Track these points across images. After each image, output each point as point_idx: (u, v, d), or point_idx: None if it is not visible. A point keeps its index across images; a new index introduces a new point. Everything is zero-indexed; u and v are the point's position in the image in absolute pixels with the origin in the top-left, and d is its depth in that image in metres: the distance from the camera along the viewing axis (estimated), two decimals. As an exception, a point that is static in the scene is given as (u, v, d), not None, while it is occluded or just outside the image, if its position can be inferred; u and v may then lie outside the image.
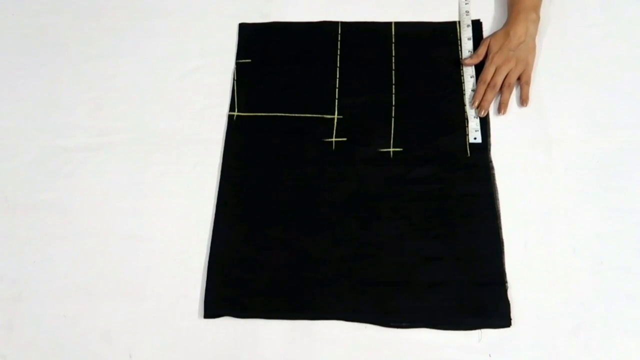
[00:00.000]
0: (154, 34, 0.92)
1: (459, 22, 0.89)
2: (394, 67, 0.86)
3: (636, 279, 0.70)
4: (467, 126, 0.81)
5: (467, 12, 0.90)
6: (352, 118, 0.82)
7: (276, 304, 0.71)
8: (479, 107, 0.81)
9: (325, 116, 0.83)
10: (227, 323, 0.70)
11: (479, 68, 0.85)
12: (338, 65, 0.87)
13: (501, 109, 0.81)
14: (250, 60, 0.88)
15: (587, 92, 0.83)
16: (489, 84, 0.82)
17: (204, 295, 0.71)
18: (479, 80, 0.83)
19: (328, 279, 0.72)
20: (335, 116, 0.83)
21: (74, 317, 0.71)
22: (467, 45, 0.87)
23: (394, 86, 0.85)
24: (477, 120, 0.81)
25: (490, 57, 0.84)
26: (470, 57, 0.85)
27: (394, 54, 0.87)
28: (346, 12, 0.91)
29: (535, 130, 0.80)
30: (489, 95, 0.82)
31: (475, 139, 0.80)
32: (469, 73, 0.85)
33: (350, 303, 0.70)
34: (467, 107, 0.82)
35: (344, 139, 0.81)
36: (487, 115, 0.82)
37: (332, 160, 0.79)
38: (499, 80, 0.82)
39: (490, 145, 0.79)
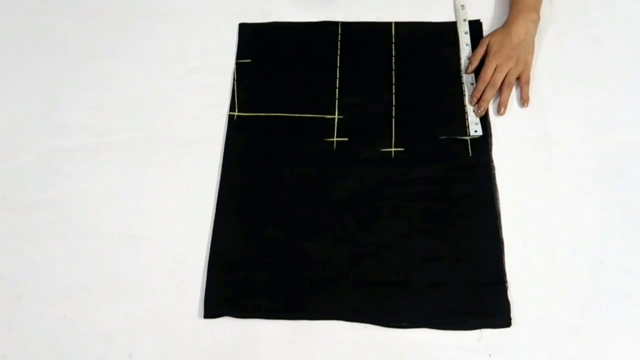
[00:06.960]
0: (154, 34, 0.92)
1: (457, 21, 0.89)
2: (394, 67, 0.86)
3: (636, 279, 0.70)
4: (467, 119, 0.81)
5: (463, 5, 0.90)
6: (353, 118, 0.82)
7: (276, 304, 0.71)
8: (477, 106, 0.81)
9: (325, 116, 0.83)
10: (227, 323, 0.70)
11: (479, 66, 0.85)
12: (338, 65, 0.87)
13: (500, 108, 0.81)
14: (250, 60, 0.88)
15: (587, 92, 0.83)
16: (488, 83, 0.82)
17: (204, 296, 0.71)
18: (478, 79, 0.83)
19: (328, 279, 0.72)
20: (336, 116, 0.83)
21: (74, 317, 0.71)
22: (465, 43, 0.87)
23: (394, 86, 0.85)
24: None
25: (491, 54, 0.83)
26: (470, 62, 0.85)
27: (394, 54, 0.87)
28: (346, 12, 0.91)
29: (535, 130, 0.80)
30: (488, 94, 0.82)
31: (475, 131, 0.80)
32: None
33: (350, 303, 0.70)
34: (467, 101, 0.82)
35: (345, 138, 0.81)
36: (487, 109, 0.82)
37: (332, 160, 0.79)
38: (499, 78, 0.82)
39: (491, 145, 0.79)
